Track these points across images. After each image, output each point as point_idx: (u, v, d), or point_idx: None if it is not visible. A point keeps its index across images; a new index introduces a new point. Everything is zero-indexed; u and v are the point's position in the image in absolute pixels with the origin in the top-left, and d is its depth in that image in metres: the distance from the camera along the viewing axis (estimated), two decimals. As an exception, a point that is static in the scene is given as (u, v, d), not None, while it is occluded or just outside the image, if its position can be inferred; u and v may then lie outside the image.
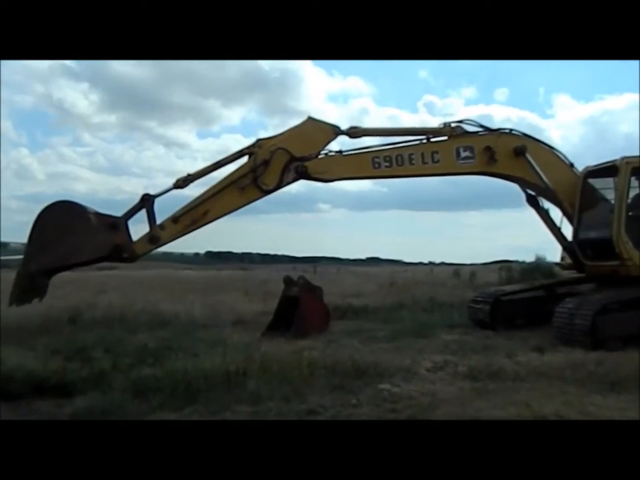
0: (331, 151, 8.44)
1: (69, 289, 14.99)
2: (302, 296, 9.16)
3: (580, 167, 9.62)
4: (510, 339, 8.39)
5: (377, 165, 8.46)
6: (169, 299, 12.86)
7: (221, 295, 14.57)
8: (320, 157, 8.32)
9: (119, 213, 7.25)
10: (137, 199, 7.49)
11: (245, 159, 8.13)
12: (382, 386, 5.52)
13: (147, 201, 7.43)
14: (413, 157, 8.57)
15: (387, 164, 8.47)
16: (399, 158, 8.51)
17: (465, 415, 4.46)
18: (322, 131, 8.36)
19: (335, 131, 8.47)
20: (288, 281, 9.76)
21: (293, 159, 8.00)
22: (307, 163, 8.10)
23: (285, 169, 7.98)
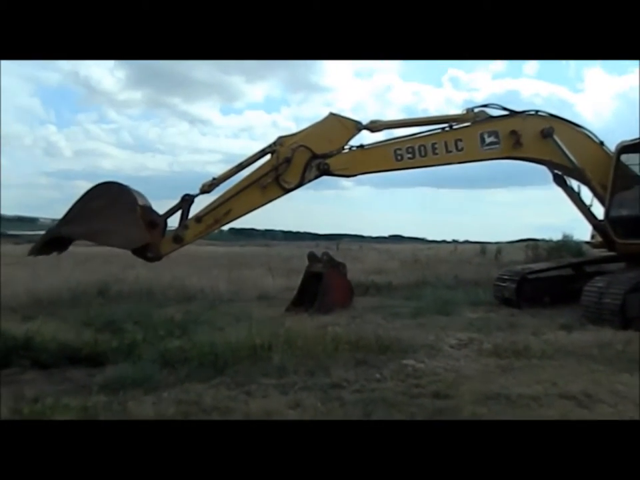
0: (352, 146, 8.36)
1: (98, 262, 15.35)
2: (326, 272, 9.19)
3: (612, 142, 9.31)
4: (536, 317, 8.29)
5: (399, 157, 8.32)
6: (194, 274, 13.06)
7: (245, 271, 14.74)
8: (341, 153, 8.25)
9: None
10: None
11: (267, 158, 8.11)
12: (406, 361, 5.53)
13: (186, 202, 7.56)
14: (436, 146, 8.39)
15: (409, 155, 8.33)
16: (422, 148, 8.35)
17: (489, 392, 4.45)
18: (344, 127, 8.26)
19: (357, 127, 8.36)
20: (312, 257, 9.80)
21: (314, 156, 7.97)
22: (328, 160, 8.05)
23: (307, 167, 7.95)
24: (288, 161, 7.80)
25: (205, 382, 4.79)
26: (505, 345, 6.10)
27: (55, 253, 7.26)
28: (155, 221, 7.08)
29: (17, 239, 46.37)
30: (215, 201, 7.72)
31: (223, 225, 7.86)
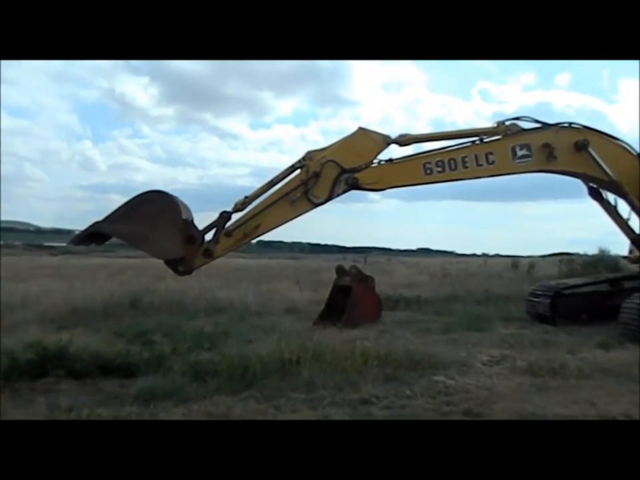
0: (381, 161, 8.36)
1: (130, 274, 15.68)
2: (354, 285, 9.14)
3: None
4: (572, 335, 8.04)
5: (428, 171, 8.26)
6: (223, 286, 13.19)
7: (273, 284, 14.80)
8: (370, 167, 8.27)
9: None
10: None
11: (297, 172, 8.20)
12: (436, 378, 5.43)
13: (222, 218, 7.73)
14: (466, 159, 8.28)
15: (439, 169, 8.25)
16: (452, 162, 8.27)
17: (524, 411, 4.32)
18: (373, 141, 8.27)
19: (386, 141, 8.36)
20: (340, 271, 9.77)
21: (343, 170, 8.02)
22: (357, 175, 8.07)
23: (336, 181, 8.00)
24: (317, 175, 7.85)
25: (234, 395, 4.80)
26: (539, 363, 5.94)
27: (93, 245, 7.54)
28: (193, 236, 7.24)
29: (53, 251, 47.89)
30: (244, 215, 7.83)
31: (253, 239, 7.96)
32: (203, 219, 7.85)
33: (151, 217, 6.95)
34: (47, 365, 5.44)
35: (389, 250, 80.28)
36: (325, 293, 10.03)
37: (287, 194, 7.83)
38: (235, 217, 7.80)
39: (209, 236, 7.63)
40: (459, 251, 80.00)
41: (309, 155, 8.10)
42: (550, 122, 8.66)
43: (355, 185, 8.08)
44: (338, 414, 4.29)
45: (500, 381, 5.43)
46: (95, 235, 7.30)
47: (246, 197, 7.95)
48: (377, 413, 4.40)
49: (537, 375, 5.56)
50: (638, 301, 7.55)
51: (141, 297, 11.00)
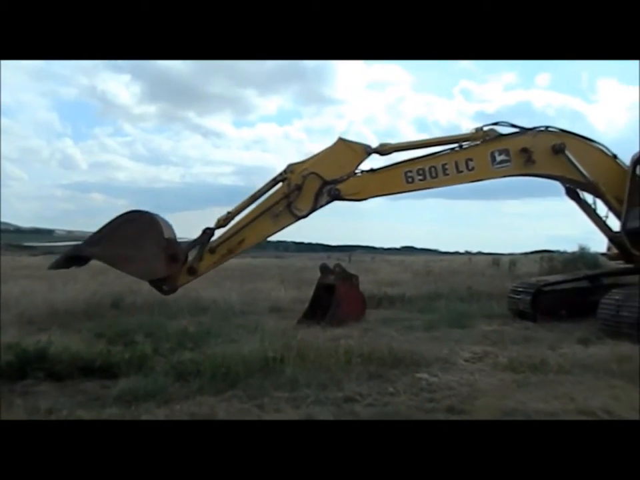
0: (362, 171, 8.39)
1: (112, 274, 15.46)
2: (338, 284, 9.16)
3: (627, 153, 9.21)
4: (552, 331, 8.15)
5: (410, 180, 8.34)
6: (206, 285, 13.09)
7: (257, 283, 14.76)
8: (352, 177, 8.29)
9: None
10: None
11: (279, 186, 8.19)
12: (419, 375, 5.46)
13: (206, 234, 7.70)
14: (446, 166, 8.38)
15: (420, 177, 8.34)
16: (433, 169, 8.35)
17: (505, 407, 4.37)
18: (353, 151, 8.34)
19: (367, 151, 8.42)
20: (324, 269, 9.77)
21: (325, 182, 8.03)
22: (339, 186, 8.12)
23: (318, 193, 8.03)
24: (299, 188, 7.89)
25: (217, 395, 4.77)
26: (520, 359, 6.01)
27: (73, 267, 7.41)
28: (177, 255, 7.23)
29: (33, 251, 47.07)
30: (227, 231, 7.85)
31: (237, 254, 7.98)
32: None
33: (132, 238, 6.92)
34: (26, 367, 5.34)
35: (373, 248, 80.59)
36: (309, 292, 10.03)
37: (269, 208, 7.86)
38: (219, 232, 7.80)
39: (193, 252, 7.62)
40: (443, 249, 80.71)
41: (290, 168, 8.12)
42: (530, 123, 8.83)
43: (338, 196, 8.16)
44: (322, 412, 4.29)
45: (482, 377, 5.48)
46: (75, 258, 7.21)
47: (228, 212, 7.96)
48: (361, 410, 4.41)
49: (518, 370, 5.63)
50: (616, 297, 7.68)
51: (122, 297, 10.88)
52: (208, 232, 7.70)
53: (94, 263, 7.77)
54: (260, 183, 8.09)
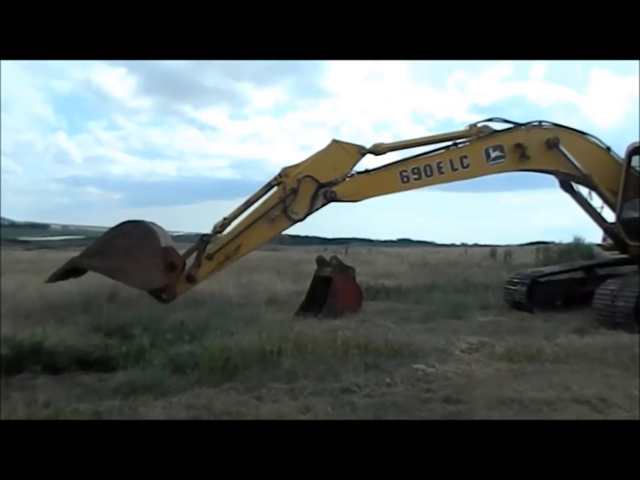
0: (357, 172, 8.36)
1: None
2: (335, 276, 9.16)
3: (621, 144, 9.25)
4: (548, 321, 8.20)
5: (405, 179, 8.30)
6: (203, 278, 13.04)
7: (254, 275, 14.73)
8: (347, 179, 8.25)
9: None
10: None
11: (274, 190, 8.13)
12: (416, 366, 5.49)
13: (203, 242, 7.65)
14: (441, 165, 8.35)
15: (415, 176, 8.30)
16: (427, 168, 8.32)
17: (502, 397, 4.40)
18: (347, 153, 8.28)
19: (361, 151, 8.37)
20: (320, 261, 9.78)
21: (320, 185, 7.98)
22: (335, 188, 8.07)
23: (314, 196, 7.98)
24: (294, 191, 7.84)
25: (215, 387, 4.79)
26: (516, 349, 6.05)
27: (70, 279, 7.40)
28: (174, 263, 7.18)
29: (28, 245, 46.87)
30: (225, 237, 7.81)
31: (234, 260, 7.95)
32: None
33: (129, 249, 6.89)
34: (22, 361, 5.33)
35: (370, 241, 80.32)
36: (306, 284, 10.03)
37: (265, 213, 7.82)
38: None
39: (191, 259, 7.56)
40: (439, 241, 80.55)
41: (285, 172, 8.07)
42: (525, 117, 8.85)
43: (334, 198, 8.11)
44: (319, 403, 4.31)
45: (478, 367, 5.53)
46: (73, 270, 7.18)
47: (224, 219, 7.90)
48: (359, 401, 4.43)
49: (514, 360, 5.68)
50: (611, 287, 7.74)
51: (119, 289, 10.82)
52: (205, 239, 7.67)
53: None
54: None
